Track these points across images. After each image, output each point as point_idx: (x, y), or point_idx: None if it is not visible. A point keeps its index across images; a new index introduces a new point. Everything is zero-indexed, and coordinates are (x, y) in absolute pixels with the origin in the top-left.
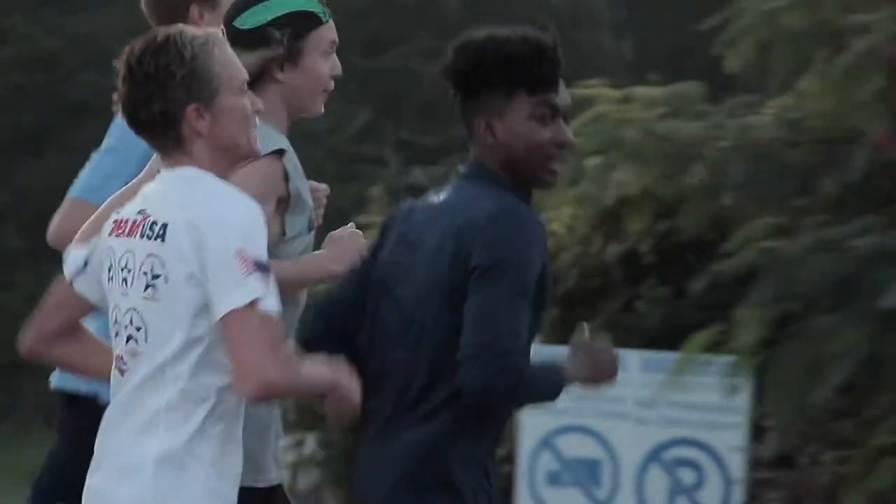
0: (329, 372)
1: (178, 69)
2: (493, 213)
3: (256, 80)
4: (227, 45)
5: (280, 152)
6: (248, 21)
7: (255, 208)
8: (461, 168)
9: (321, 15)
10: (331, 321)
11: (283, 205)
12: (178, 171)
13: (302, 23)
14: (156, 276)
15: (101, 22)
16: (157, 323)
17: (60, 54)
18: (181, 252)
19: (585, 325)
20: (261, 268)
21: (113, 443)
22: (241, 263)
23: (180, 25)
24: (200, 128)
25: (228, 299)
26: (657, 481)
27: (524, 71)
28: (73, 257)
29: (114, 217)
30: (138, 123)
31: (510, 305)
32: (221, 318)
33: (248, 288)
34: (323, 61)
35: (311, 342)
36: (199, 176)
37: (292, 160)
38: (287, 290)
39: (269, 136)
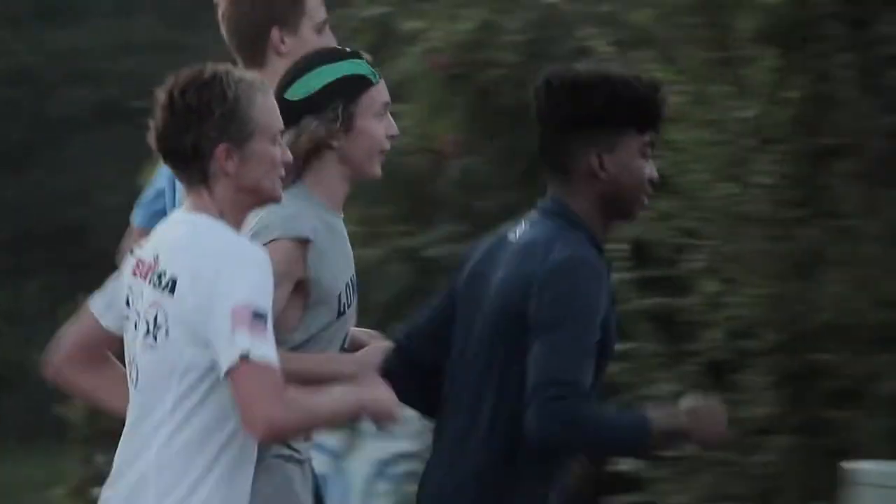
0: (350, 394)
1: (217, 107)
2: (559, 264)
3: (312, 152)
4: (272, 94)
5: (306, 241)
6: (298, 92)
7: (259, 258)
8: (541, 203)
9: (371, 77)
10: (405, 355)
11: (302, 291)
12: (194, 219)
13: (352, 87)
14: (157, 327)
15: (84, 38)
16: (151, 372)
17: (43, 70)
18: (186, 310)
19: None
20: (256, 317)
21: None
22: (232, 321)
23: (229, 66)
24: (228, 167)
25: (223, 359)
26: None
27: (643, 109)
28: (104, 287)
29: (136, 254)
30: (168, 153)
31: (570, 352)
32: (225, 377)
33: (237, 346)
34: (377, 122)
35: (388, 375)
36: (211, 226)
37: (322, 249)
38: (303, 380)
39: (307, 217)
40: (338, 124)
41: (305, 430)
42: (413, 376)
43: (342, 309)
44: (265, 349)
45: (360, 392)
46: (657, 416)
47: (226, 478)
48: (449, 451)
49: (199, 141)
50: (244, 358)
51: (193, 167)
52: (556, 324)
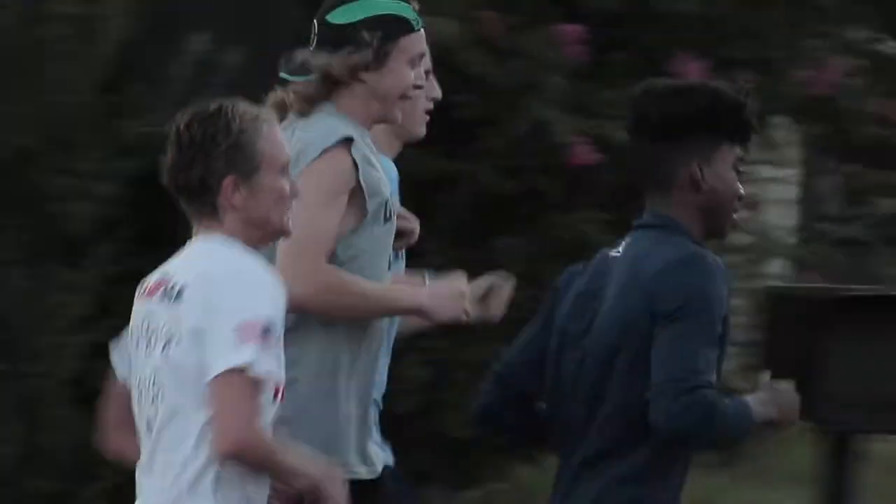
0: (316, 469)
1: (223, 140)
2: (681, 259)
3: (340, 80)
4: (278, 126)
5: (348, 140)
6: (340, 17)
7: (268, 279)
8: (638, 219)
9: (414, 23)
10: (507, 386)
11: (356, 198)
12: (204, 241)
13: (393, 26)
14: (170, 339)
15: None
16: (170, 385)
17: None
18: (192, 311)
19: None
20: (265, 333)
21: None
22: (238, 334)
23: (235, 99)
24: (235, 200)
25: (220, 362)
26: None
27: (739, 121)
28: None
29: (142, 283)
30: (177, 187)
31: (697, 345)
32: (210, 382)
33: (238, 355)
34: (408, 69)
35: (488, 408)
36: (222, 243)
37: (362, 149)
38: (367, 310)
39: (338, 126)
40: (371, 55)
41: (261, 468)
42: (512, 406)
43: (388, 214)
44: (268, 365)
45: (326, 477)
46: (753, 404)
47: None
48: (569, 490)
49: (206, 174)
50: (242, 370)
51: (203, 201)
52: (681, 315)
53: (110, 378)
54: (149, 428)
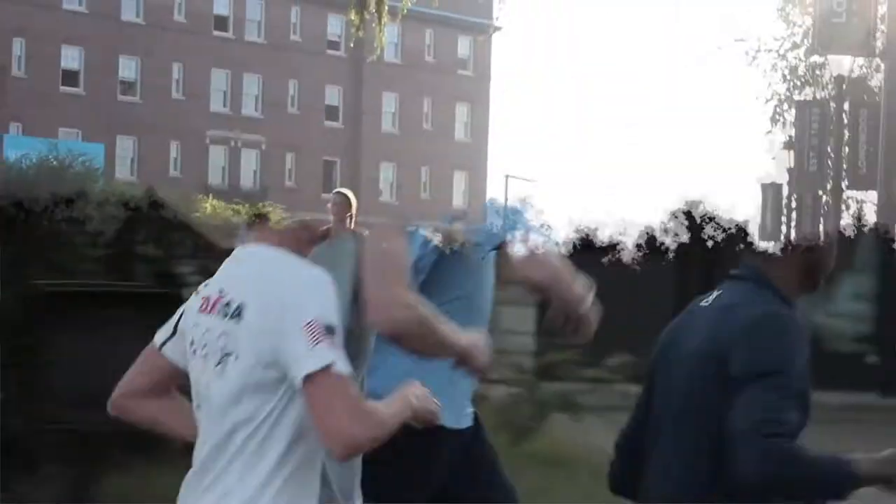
0: (401, 404)
1: None
2: (757, 320)
3: None
4: None
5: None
6: None
7: (319, 280)
8: (732, 271)
9: None
10: (623, 454)
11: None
12: (254, 251)
13: None
14: (227, 354)
15: None
16: (222, 397)
17: None
18: (253, 333)
19: None
20: (329, 333)
21: None
22: (309, 335)
23: None
24: None
25: (300, 368)
26: None
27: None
28: (167, 324)
29: (202, 293)
30: None
31: (775, 400)
32: (301, 388)
33: (316, 357)
34: None
35: (616, 482)
36: (271, 255)
37: None
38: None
39: None
40: None
41: (375, 443)
42: (632, 471)
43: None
44: (343, 363)
45: (409, 398)
46: (862, 459)
47: (291, 483)
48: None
49: None
50: (326, 369)
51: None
52: (763, 372)
53: (152, 345)
54: (209, 435)
